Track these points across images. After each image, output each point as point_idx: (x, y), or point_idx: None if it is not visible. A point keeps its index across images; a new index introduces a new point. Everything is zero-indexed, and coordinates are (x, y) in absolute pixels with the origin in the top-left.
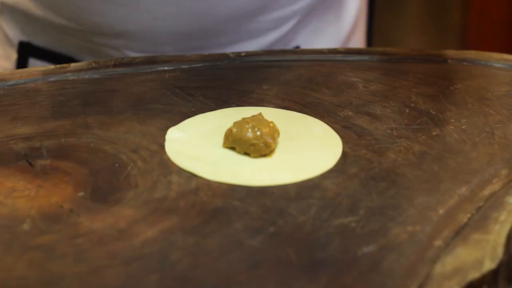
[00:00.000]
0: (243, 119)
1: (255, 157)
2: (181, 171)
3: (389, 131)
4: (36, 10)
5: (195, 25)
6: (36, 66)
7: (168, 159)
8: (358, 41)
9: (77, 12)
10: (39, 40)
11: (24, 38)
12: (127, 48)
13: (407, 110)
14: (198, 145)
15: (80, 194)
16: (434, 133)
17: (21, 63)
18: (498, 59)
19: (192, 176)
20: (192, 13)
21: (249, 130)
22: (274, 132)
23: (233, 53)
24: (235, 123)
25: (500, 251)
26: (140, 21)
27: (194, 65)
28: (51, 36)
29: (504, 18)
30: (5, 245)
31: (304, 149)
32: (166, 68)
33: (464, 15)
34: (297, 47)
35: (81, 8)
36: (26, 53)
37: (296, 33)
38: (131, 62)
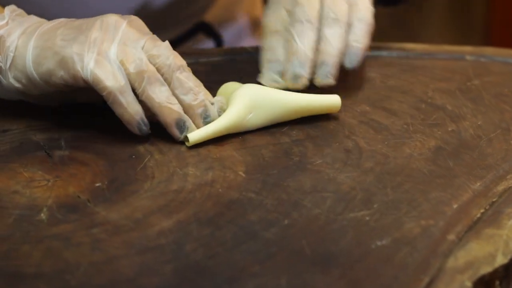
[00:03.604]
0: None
1: None
2: (197, 164)
3: (405, 126)
4: None
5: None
6: None
7: (186, 151)
8: None
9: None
10: None
11: None
12: None
13: (423, 106)
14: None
15: (97, 184)
16: (449, 129)
17: None
18: None
19: (208, 168)
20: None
21: None
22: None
23: (251, 47)
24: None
25: None
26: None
27: (213, 59)
28: None
29: None
30: (22, 233)
31: None
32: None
33: (487, 12)
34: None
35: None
36: None
37: None
38: None
